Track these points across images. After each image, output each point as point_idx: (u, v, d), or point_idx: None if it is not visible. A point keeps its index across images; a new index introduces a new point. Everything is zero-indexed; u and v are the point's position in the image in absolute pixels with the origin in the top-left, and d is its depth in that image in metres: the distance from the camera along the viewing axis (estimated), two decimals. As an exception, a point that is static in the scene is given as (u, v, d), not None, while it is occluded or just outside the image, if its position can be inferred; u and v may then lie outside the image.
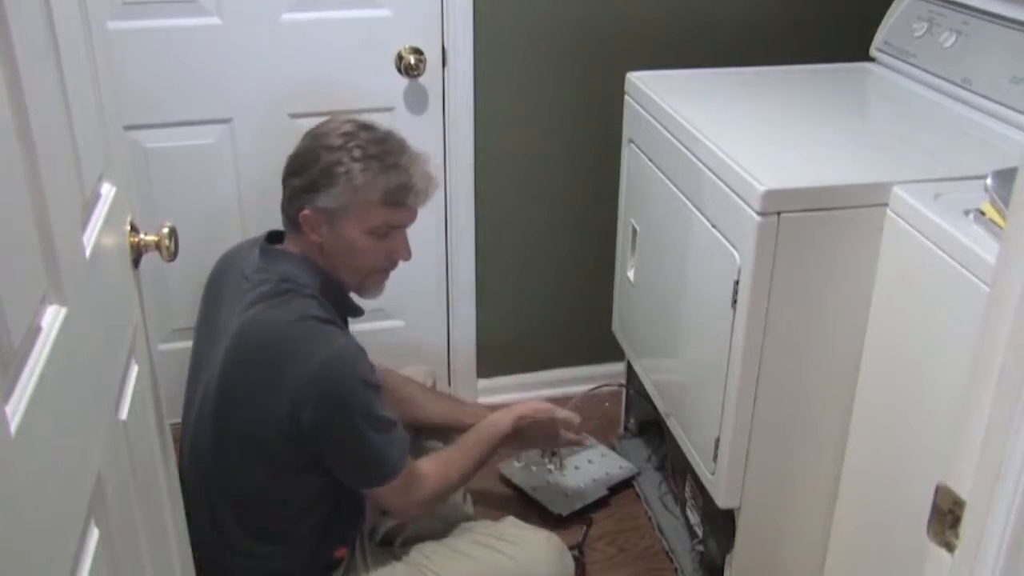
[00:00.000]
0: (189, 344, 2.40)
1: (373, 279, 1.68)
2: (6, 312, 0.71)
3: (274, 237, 1.68)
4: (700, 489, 1.92)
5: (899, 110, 1.93)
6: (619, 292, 2.27)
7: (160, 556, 1.25)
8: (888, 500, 1.59)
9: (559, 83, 2.37)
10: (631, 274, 2.13)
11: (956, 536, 0.80)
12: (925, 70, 1.93)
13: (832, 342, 1.63)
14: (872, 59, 2.13)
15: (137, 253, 1.22)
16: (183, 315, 2.40)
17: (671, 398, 1.97)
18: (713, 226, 1.67)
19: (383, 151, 1.58)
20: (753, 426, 1.67)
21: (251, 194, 2.32)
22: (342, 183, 1.55)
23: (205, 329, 1.69)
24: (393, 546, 1.78)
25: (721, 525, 1.84)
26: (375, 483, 1.58)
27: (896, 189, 1.51)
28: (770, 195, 1.51)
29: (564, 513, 2.21)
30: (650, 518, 2.24)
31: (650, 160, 1.97)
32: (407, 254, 1.69)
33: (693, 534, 2.05)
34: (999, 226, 1.33)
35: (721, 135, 1.71)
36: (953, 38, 1.87)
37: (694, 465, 1.85)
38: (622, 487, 2.33)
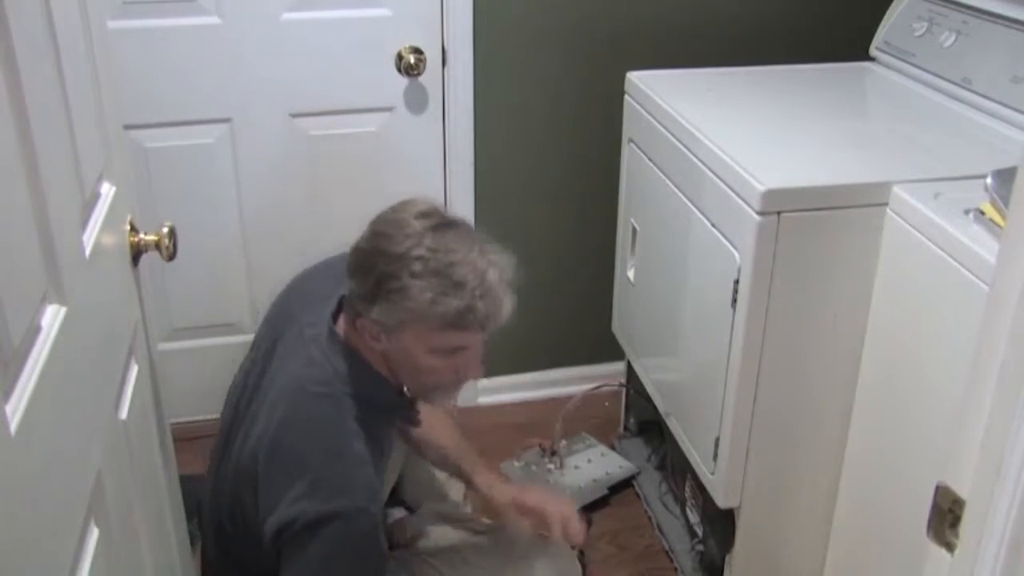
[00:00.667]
0: (189, 344, 2.42)
1: (439, 393, 1.51)
2: (6, 312, 0.71)
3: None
4: (700, 489, 1.92)
5: (899, 109, 1.93)
6: (619, 292, 2.27)
7: (160, 556, 1.25)
8: (888, 499, 1.59)
9: (559, 83, 2.37)
10: (631, 274, 2.13)
11: (956, 536, 0.80)
12: (925, 69, 1.93)
13: (832, 342, 1.63)
14: (872, 59, 2.13)
15: (137, 252, 1.22)
16: (183, 315, 2.41)
17: (671, 398, 1.97)
18: (713, 226, 1.67)
19: (448, 264, 1.33)
20: (753, 426, 1.67)
21: (251, 194, 2.32)
22: (396, 300, 1.33)
23: (262, 352, 1.54)
24: (393, 549, 1.77)
25: (721, 525, 1.84)
26: None
27: (896, 188, 1.51)
28: (770, 195, 1.51)
29: (564, 513, 2.21)
30: (650, 518, 2.24)
31: (650, 160, 1.97)
32: (478, 373, 1.49)
33: (693, 534, 2.05)
34: (999, 225, 1.33)
35: (721, 135, 1.71)
36: (953, 38, 1.87)
37: (694, 465, 1.85)
38: (622, 487, 2.33)
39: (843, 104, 1.99)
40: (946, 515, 0.80)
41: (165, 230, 1.22)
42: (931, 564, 0.83)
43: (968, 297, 1.33)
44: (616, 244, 2.26)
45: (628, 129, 2.11)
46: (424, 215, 1.38)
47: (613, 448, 2.44)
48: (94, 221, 1.05)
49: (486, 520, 1.85)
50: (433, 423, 1.74)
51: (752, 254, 1.54)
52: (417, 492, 1.89)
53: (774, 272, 1.56)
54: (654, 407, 2.07)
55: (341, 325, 1.45)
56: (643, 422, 2.43)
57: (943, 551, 0.81)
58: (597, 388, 2.53)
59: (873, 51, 2.12)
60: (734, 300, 1.60)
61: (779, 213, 1.52)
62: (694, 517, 2.04)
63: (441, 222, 1.38)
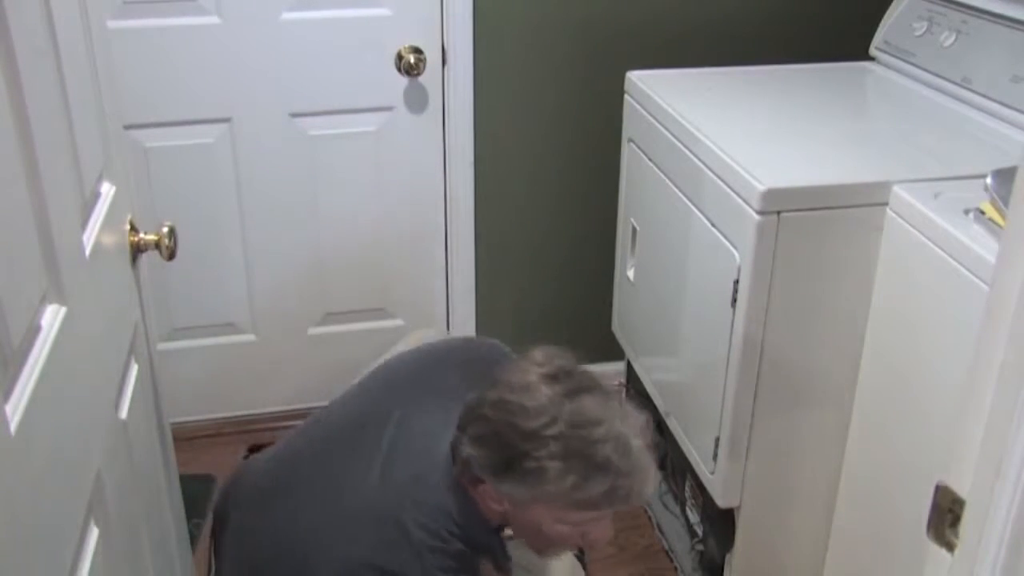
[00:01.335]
0: (189, 343, 2.42)
1: (557, 552, 1.44)
2: (6, 311, 0.71)
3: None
4: (700, 488, 1.92)
5: (899, 109, 1.93)
6: (619, 291, 2.27)
7: (160, 556, 1.25)
8: (888, 499, 1.59)
9: (559, 82, 2.37)
10: (631, 273, 2.13)
11: (956, 535, 0.80)
12: (925, 69, 1.93)
13: (832, 341, 1.63)
14: (872, 58, 2.13)
15: (137, 252, 1.22)
16: (183, 314, 2.41)
17: (671, 397, 1.97)
18: (713, 225, 1.67)
19: (591, 443, 1.22)
20: (753, 426, 1.67)
21: (251, 193, 2.32)
22: (532, 481, 1.22)
23: (375, 415, 1.40)
24: None
25: (721, 524, 1.84)
26: None
27: (896, 188, 1.51)
28: (770, 194, 1.51)
29: (564, 512, 2.21)
30: (650, 517, 2.24)
31: (650, 159, 1.97)
32: (608, 537, 1.37)
33: (693, 533, 2.05)
34: (999, 225, 1.33)
35: (721, 134, 1.71)
36: (953, 37, 1.87)
37: (694, 464, 1.85)
38: (622, 486, 2.33)
39: (843, 104, 1.99)
40: (946, 515, 0.80)
41: (165, 230, 1.22)
42: (931, 564, 0.83)
43: (968, 297, 1.33)
44: (616, 244, 2.26)
45: (628, 129, 2.11)
46: (552, 378, 1.26)
47: (613, 448, 2.44)
48: (94, 221, 1.05)
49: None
50: None
51: (752, 254, 1.54)
52: None
53: (774, 272, 1.56)
54: (654, 407, 2.07)
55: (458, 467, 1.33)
56: (643, 422, 2.43)
57: (943, 551, 0.81)
58: (597, 388, 2.52)
59: (873, 51, 2.12)
60: (734, 300, 1.60)
61: (779, 213, 1.52)
62: (694, 517, 2.04)
63: (573, 387, 1.26)
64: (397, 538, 1.26)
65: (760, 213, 1.52)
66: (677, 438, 1.93)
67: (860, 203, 1.54)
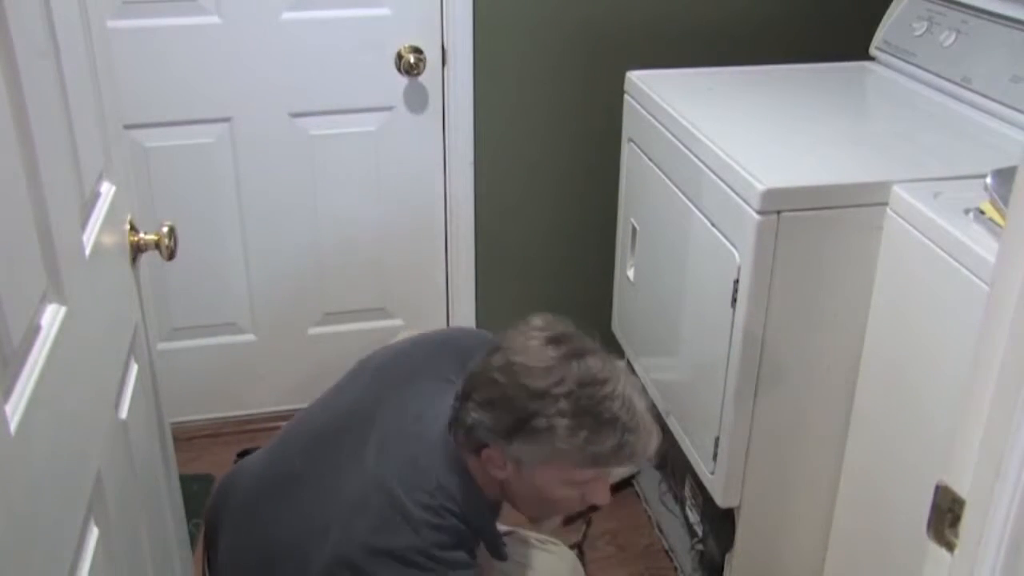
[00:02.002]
0: (189, 343, 2.42)
1: (557, 519, 1.46)
2: (6, 311, 0.71)
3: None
4: (700, 488, 1.92)
5: (899, 109, 1.93)
6: (618, 291, 2.27)
7: (160, 556, 1.25)
8: (888, 499, 1.59)
9: (559, 82, 2.37)
10: (631, 273, 2.13)
11: (956, 535, 0.80)
12: (925, 69, 1.93)
13: (832, 341, 1.63)
14: (872, 58, 2.13)
15: (136, 252, 1.22)
16: (183, 314, 2.41)
17: (671, 397, 1.97)
18: (713, 225, 1.67)
19: (598, 400, 1.26)
20: (753, 425, 1.67)
21: (251, 193, 2.32)
22: (543, 440, 1.25)
23: (360, 407, 1.41)
24: None
25: (721, 524, 1.84)
26: None
27: (896, 188, 1.51)
28: (770, 194, 1.51)
29: (564, 512, 2.21)
30: (650, 517, 2.24)
31: (650, 159, 1.97)
32: (607, 499, 1.41)
33: (693, 533, 2.05)
34: (999, 225, 1.33)
35: (721, 134, 1.71)
36: (953, 37, 1.87)
37: (694, 464, 1.85)
38: (622, 486, 2.33)
39: (843, 104, 1.99)
40: (946, 514, 0.80)
41: (165, 229, 1.22)
42: (931, 564, 0.83)
43: (968, 297, 1.33)
44: (616, 244, 2.26)
45: (628, 129, 2.11)
46: (555, 341, 1.30)
47: (613, 448, 2.44)
48: (94, 221, 1.05)
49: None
50: None
51: (752, 254, 1.54)
52: None
53: (774, 272, 1.56)
54: (654, 406, 2.07)
55: (454, 442, 1.35)
56: (643, 422, 2.43)
57: (943, 551, 0.81)
58: (597, 388, 2.52)
59: (873, 51, 2.12)
60: (734, 299, 1.60)
61: (779, 212, 1.52)
62: (694, 516, 2.04)
63: (575, 349, 1.30)
64: (395, 518, 1.27)
65: (760, 213, 1.52)
66: (677, 438, 1.93)
67: (860, 203, 1.54)
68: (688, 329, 1.84)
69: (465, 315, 2.56)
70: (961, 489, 0.79)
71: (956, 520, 0.79)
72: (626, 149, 2.13)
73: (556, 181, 2.48)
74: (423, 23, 2.25)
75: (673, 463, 2.17)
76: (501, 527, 1.51)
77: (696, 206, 1.74)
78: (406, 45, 2.25)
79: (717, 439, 1.71)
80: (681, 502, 2.13)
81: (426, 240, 2.48)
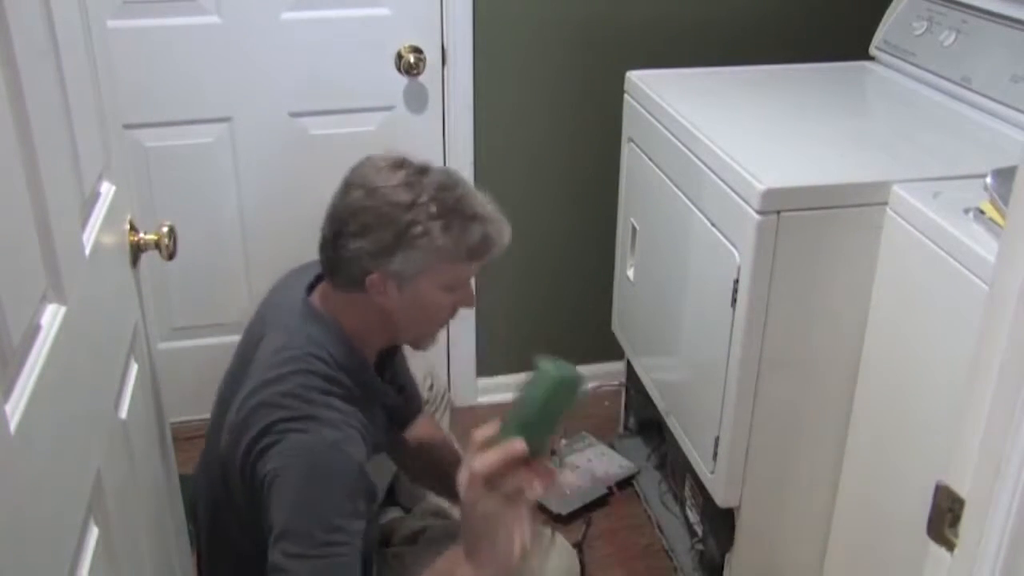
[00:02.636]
0: (189, 343, 2.42)
1: (433, 335, 1.53)
2: (6, 311, 0.71)
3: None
4: (700, 488, 1.92)
5: (899, 109, 1.93)
6: (619, 291, 2.27)
7: (160, 555, 1.25)
8: (888, 499, 1.59)
9: (559, 82, 2.37)
10: (631, 273, 2.13)
11: (956, 535, 0.80)
12: (925, 69, 1.93)
13: (832, 341, 1.63)
14: (872, 58, 2.13)
15: (136, 252, 1.22)
16: (183, 314, 2.41)
17: (671, 397, 1.97)
18: (713, 225, 1.67)
19: (458, 200, 1.37)
20: (752, 425, 1.67)
21: (250, 193, 2.32)
22: (422, 246, 1.35)
23: (240, 363, 1.50)
24: (390, 546, 1.77)
25: (720, 524, 1.84)
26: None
27: (896, 188, 1.51)
28: (770, 194, 1.51)
29: (564, 512, 2.21)
30: (650, 517, 2.24)
31: (650, 159, 1.97)
32: (473, 302, 1.52)
33: (693, 533, 2.05)
34: (999, 225, 1.33)
35: (721, 134, 1.71)
36: (953, 37, 1.87)
37: (693, 464, 1.85)
38: (622, 486, 2.33)
39: (843, 103, 1.99)
40: (946, 514, 0.80)
41: (165, 229, 1.22)
42: (931, 563, 0.83)
43: (968, 296, 1.33)
44: (616, 243, 2.26)
45: (628, 129, 2.11)
46: (400, 164, 1.39)
47: (613, 447, 2.44)
48: (94, 220, 1.05)
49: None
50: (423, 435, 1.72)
51: (752, 253, 1.54)
52: (413, 493, 1.89)
53: (774, 271, 1.56)
54: (654, 406, 2.07)
55: (316, 299, 1.46)
56: (643, 421, 2.43)
57: (943, 550, 0.81)
58: (597, 387, 2.53)
59: (873, 50, 2.12)
60: (734, 299, 1.60)
61: (779, 212, 1.52)
62: (694, 516, 2.04)
63: (419, 166, 1.40)
64: (268, 383, 1.35)
65: (760, 213, 1.52)
66: (677, 438, 1.93)
67: (860, 203, 1.54)
68: (688, 329, 1.84)
69: (464, 314, 2.56)
70: (961, 489, 0.79)
71: (956, 520, 0.79)
72: (626, 149, 2.13)
73: (556, 181, 2.48)
74: (423, 23, 2.25)
75: (673, 463, 2.17)
76: None
77: (696, 206, 1.74)
78: (406, 45, 2.25)
79: (717, 439, 1.71)
80: (681, 502, 2.13)
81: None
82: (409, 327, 1.48)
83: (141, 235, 1.23)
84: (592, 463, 2.37)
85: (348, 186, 1.39)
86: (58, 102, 0.94)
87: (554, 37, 2.32)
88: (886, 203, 1.52)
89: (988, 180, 1.41)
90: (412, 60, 2.25)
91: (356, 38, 2.23)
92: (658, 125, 1.91)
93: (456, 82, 2.30)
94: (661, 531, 2.19)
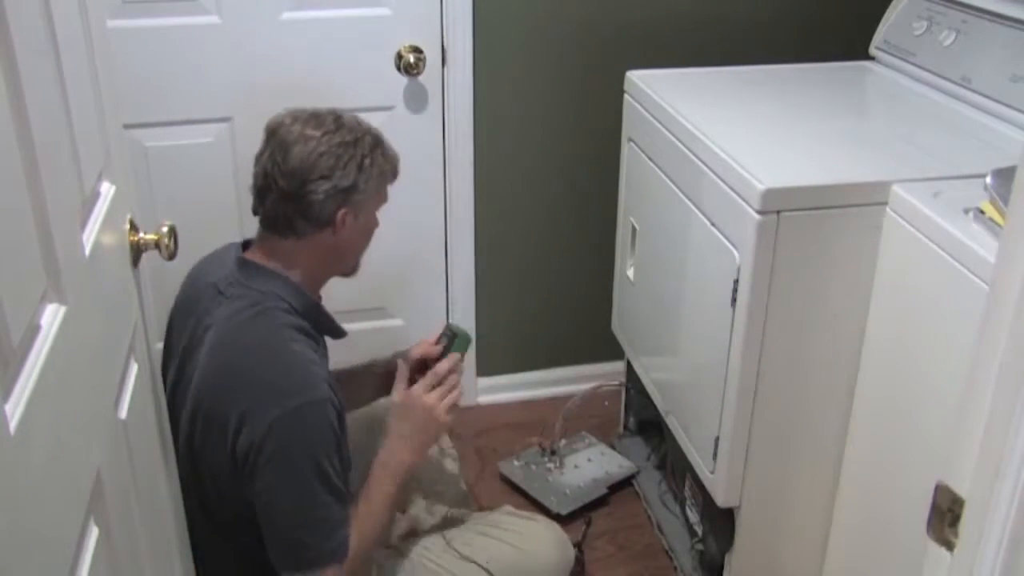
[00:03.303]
0: (189, 343, 2.42)
1: (360, 258, 1.70)
2: (6, 310, 0.71)
3: (246, 246, 1.62)
4: (700, 488, 1.92)
5: (899, 109, 1.93)
6: (618, 291, 2.27)
7: (160, 556, 1.25)
8: (888, 499, 1.59)
9: (559, 81, 2.37)
10: (630, 273, 2.14)
11: (955, 534, 0.80)
12: (925, 69, 1.93)
13: (831, 341, 1.63)
14: (872, 58, 2.13)
15: (137, 252, 1.22)
16: (183, 314, 2.40)
17: (671, 397, 1.97)
18: (712, 225, 1.67)
19: (370, 133, 1.58)
20: (753, 425, 1.67)
21: (250, 192, 2.32)
22: (375, 173, 1.56)
23: (179, 369, 1.57)
24: (388, 546, 1.78)
25: (721, 524, 1.84)
26: (307, 562, 1.44)
27: (895, 188, 1.51)
28: (770, 194, 1.51)
29: (564, 512, 2.21)
30: (650, 517, 2.24)
31: (650, 159, 1.97)
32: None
33: (693, 533, 2.05)
34: (999, 224, 1.33)
35: (721, 134, 1.71)
36: (953, 37, 1.87)
37: (693, 464, 1.85)
38: (622, 486, 2.33)
39: (843, 103, 1.99)
40: (945, 514, 0.80)
41: (165, 229, 1.22)
42: (930, 563, 0.83)
43: (968, 296, 1.33)
44: (616, 243, 2.26)
45: (628, 128, 2.11)
46: (315, 116, 1.55)
47: (613, 447, 2.44)
48: (94, 220, 1.05)
49: (481, 512, 1.88)
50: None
51: (752, 253, 1.54)
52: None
53: (774, 271, 1.56)
54: (654, 406, 2.07)
55: (254, 255, 1.58)
56: (643, 421, 2.43)
57: (942, 550, 0.81)
58: (597, 387, 2.53)
59: (873, 50, 2.12)
60: (734, 299, 1.60)
61: (779, 212, 1.52)
62: (694, 516, 2.04)
63: (326, 113, 1.56)
64: (240, 332, 1.49)
65: (760, 213, 1.52)
66: (677, 438, 1.93)
67: (860, 203, 1.54)
68: (688, 329, 1.84)
69: (465, 314, 2.57)
70: (961, 489, 0.79)
71: (956, 520, 0.80)
72: (626, 149, 2.13)
73: (556, 181, 2.48)
74: (423, 23, 2.25)
75: (673, 463, 2.18)
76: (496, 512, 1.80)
77: (696, 206, 1.74)
78: (406, 45, 2.25)
79: (717, 439, 1.71)
80: (681, 502, 2.13)
81: (426, 239, 2.48)
82: (353, 255, 1.65)
83: (141, 235, 1.23)
84: (592, 463, 2.37)
85: (288, 143, 1.52)
86: (58, 102, 0.93)
87: (554, 37, 2.32)
88: (886, 203, 1.52)
89: (988, 180, 1.41)
90: (412, 60, 2.25)
91: (356, 38, 2.23)
92: (658, 125, 1.91)
93: (456, 82, 2.30)
94: (661, 531, 2.19)
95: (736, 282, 1.59)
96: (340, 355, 1.69)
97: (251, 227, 2.35)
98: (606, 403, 2.56)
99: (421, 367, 1.71)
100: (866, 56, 2.14)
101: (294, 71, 2.22)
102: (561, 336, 2.68)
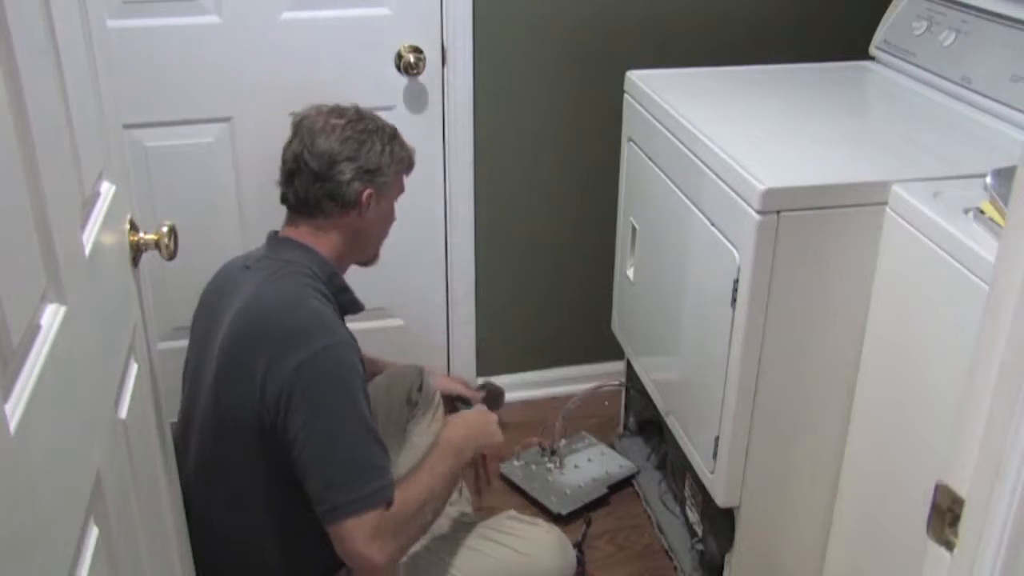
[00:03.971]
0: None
1: (379, 247, 1.79)
2: (6, 311, 0.71)
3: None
4: (700, 488, 1.92)
5: (899, 108, 1.93)
6: (618, 291, 2.27)
7: (160, 556, 1.25)
8: (888, 499, 1.59)
9: (559, 81, 2.37)
10: (630, 273, 2.14)
11: (955, 534, 0.80)
12: (925, 68, 1.93)
13: (831, 341, 1.63)
14: (872, 58, 2.13)
15: (137, 252, 1.22)
16: (183, 314, 2.39)
17: (671, 397, 1.97)
18: (712, 225, 1.67)
19: (393, 126, 1.72)
20: (752, 425, 1.67)
21: (251, 192, 2.32)
22: (394, 159, 1.68)
23: (203, 343, 1.65)
24: None
25: (721, 524, 1.84)
26: (345, 505, 1.41)
27: (895, 188, 1.51)
28: (770, 194, 1.51)
29: (564, 512, 2.21)
30: (650, 517, 2.24)
31: (650, 159, 1.97)
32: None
33: (693, 533, 2.05)
34: (999, 224, 1.33)
35: (721, 134, 1.71)
36: (952, 36, 1.87)
37: (693, 464, 1.85)
38: (622, 486, 2.33)
39: (843, 103, 1.99)
40: (945, 514, 0.80)
41: (165, 229, 1.22)
42: (930, 563, 0.83)
43: (968, 296, 1.33)
44: (616, 243, 2.26)
45: (628, 128, 2.11)
46: (336, 109, 1.69)
47: (613, 447, 2.44)
48: (94, 220, 1.05)
49: (482, 514, 1.89)
50: None
51: (752, 253, 1.54)
52: None
53: (774, 271, 1.56)
54: (654, 406, 2.07)
55: (283, 233, 1.71)
56: (643, 421, 2.43)
57: (942, 550, 0.81)
58: (597, 387, 2.53)
59: (873, 50, 2.12)
60: (734, 299, 1.60)
61: (779, 212, 1.52)
62: (694, 516, 2.04)
63: (346, 106, 1.70)
64: (267, 292, 1.58)
65: (760, 213, 1.52)
66: (677, 437, 1.93)
67: (860, 203, 1.54)
68: (688, 329, 1.85)
69: (465, 314, 2.57)
70: (961, 489, 0.79)
71: (956, 520, 0.79)
72: (626, 149, 2.13)
73: (556, 181, 2.48)
74: (423, 23, 2.25)
75: (673, 463, 2.17)
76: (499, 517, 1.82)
77: (696, 206, 1.74)
78: (406, 45, 2.25)
79: (717, 438, 1.71)
80: (681, 502, 2.13)
81: (426, 239, 2.48)
82: (374, 242, 1.76)
83: (141, 235, 1.23)
84: (592, 463, 2.37)
85: (315, 130, 1.65)
86: (58, 102, 0.93)
87: (554, 37, 2.32)
88: (886, 203, 1.52)
89: (988, 180, 1.41)
90: (412, 60, 2.25)
91: (356, 38, 2.23)
92: (658, 125, 1.91)
93: (456, 82, 2.30)
94: (661, 531, 2.19)
95: (736, 282, 1.59)
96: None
97: (251, 227, 2.36)
98: (606, 403, 2.56)
99: (451, 407, 1.84)
100: (866, 56, 2.14)
101: (294, 71, 2.22)
102: (561, 336, 2.68)
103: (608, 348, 2.42)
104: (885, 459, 1.60)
